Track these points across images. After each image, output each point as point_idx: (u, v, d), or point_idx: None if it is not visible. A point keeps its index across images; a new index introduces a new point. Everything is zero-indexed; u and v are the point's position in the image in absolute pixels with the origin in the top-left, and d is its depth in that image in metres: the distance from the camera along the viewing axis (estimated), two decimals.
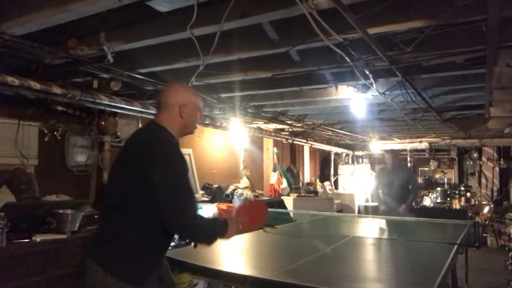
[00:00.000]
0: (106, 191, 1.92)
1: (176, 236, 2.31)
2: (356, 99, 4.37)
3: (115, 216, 1.79)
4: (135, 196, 1.73)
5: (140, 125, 4.65)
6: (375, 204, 10.06)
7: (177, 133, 1.90)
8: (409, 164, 10.23)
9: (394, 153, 5.80)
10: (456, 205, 8.94)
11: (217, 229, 1.87)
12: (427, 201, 9.02)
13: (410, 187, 5.53)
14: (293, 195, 7.90)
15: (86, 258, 1.79)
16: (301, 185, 8.94)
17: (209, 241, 1.88)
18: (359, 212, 9.85)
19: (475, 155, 10.45)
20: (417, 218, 4.22)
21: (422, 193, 9.20)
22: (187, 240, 2.09)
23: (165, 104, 1.91)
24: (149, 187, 1.67)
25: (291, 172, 8.87)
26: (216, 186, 5.96)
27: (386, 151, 5.85)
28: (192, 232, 1.80)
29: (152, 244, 1.79)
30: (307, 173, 10.17)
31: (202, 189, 5.90)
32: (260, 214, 2.09)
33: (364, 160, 12.03)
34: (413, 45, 2.60)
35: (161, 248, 1.87)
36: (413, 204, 5.83)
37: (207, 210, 5.01)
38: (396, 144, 9.82)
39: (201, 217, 1.86)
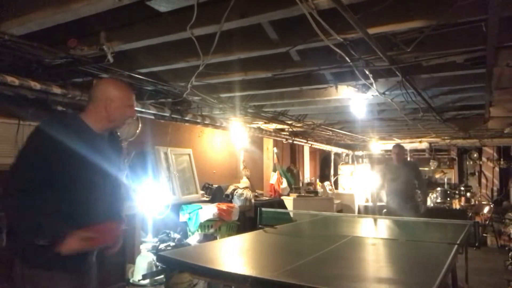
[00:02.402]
0: None
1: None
2: (356, 99, 4.37)
3: None
4: None
5: (140, 125, 4.65)
6: (376, 204, 10.12)
7: (99, 125, 1.94)
8: None
9: (401, 148, 5.67)
10: (456, 205, 8.94)
11: (44, 225, 1.72)
12: (427, 201, 9.01)
13: (416, 183, 5.46)
14: (293, 195, 7.91)
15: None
16: (301, 185, 8.94)
17: (22, 229, 1.78)
18: (359, 212, 9.85)
19: (475, 155, 10.45)
20: (417, 218, 4.22)
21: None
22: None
23: (93, 97, 1.97)
24: None
25: (291, 172, 8.88)
26: (216, 186, 5.96)
27: (393, 146, 5.74)
28: (5, 208, 1.80)
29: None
30: (307, 173, 10.17)
31: (202, 189, 5.90)
32: (111, 232, 1.97)
33: (364, 160, 12.03)
34: (413, 45, 2.60)
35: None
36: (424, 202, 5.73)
37: (207, 210, 5.02)
38: None
39: (29, 203, 1.74)
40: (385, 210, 5.49)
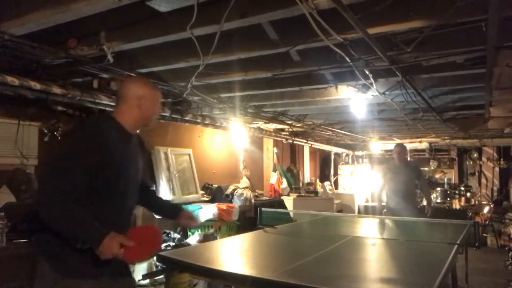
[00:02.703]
0: None
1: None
2: (356, 99, 4.37)
3: None
4: None
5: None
6: (376, 204, 10.11)
7: (131, 124, 1.91)
8: None
9: (402, 147, 5.56)
10: (456, 205, 8.94)
11: (82, 229, 1.65)
12: (431, 202, 8.99)
13: (417, 184, 5.39)
14: (293, 195, 7.91)
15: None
16: (301, 185, 8.94)
17: (63, 231, 1.69)
18: (359, 212, 9.84)
19: (475, 155, 10.45)
20: (417, 218, 4.22)
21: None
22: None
23: (123, 96, 1.92)
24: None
25: (291, 172, 8.87)
26: (216, 186, 5.96)
27: (395, 145, 5.62)
28: (43, 211, 1.66)
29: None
30: (307, 173, 10.17)
31: (202, 189, 5.90)
32: (151, 242, 1.81)
33: (364, 160, 12.03)
34: (413, 45, 2.60)
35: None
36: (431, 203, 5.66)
37: (207, 210, 5.01)
38: None
39: (71, 206, 1.64)
40: (385, 210, 5.46)
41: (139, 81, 2.02)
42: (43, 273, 1.71)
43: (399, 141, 9.15)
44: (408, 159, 9.83)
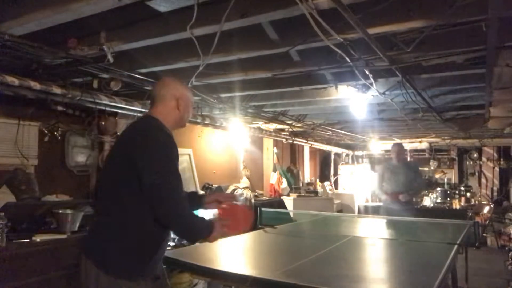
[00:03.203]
0: (100, 185, 1.91)
1: (173, 235, 2.26)
2: (356, 99, 4.37)
3: (107, 209, 1.79)
4: (128, 187, 1.71)
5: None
6: (376, 204, 10.13)
7: (171, 125, 1.92)
8: None
9: (400, 147, 5.50)
10: (456, 205, 8.94)
11: (205, 227, 1.83)
12: (427, 201, 9.01)
13: (415, 184, 5.25)
14: (293, 195, 7.90)
15: (81, 255, 1.78)
16: (301, 185, 8.94)
17: (198, 237, 1.85)
18: (359, 212, 9.84)
19: (475, 155, 10.45)
20: (417, 218, 4.22)
21: (422, 193, 9.12)
22: (178, 234, 2.00)
23: (161, 96, 1.92)
24: (145, 176, 1.68)
25: (291, 172, 8.87)
26: (216, 186, 5.96)
27: (393, 145, 5.57)
28: (185, 225, 1.76)
29: (146, 238, 1.75)
30: (307, 173, 10.17)
31: (202, 189, 5.90)
32: (245, 217, 2.06)
33: (364, 160, 12.03)
34: (413, 45, 2.60)
35: (154, 242, 1.79)
36: (414, 197, 5.46)
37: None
38: None
39: (192, 212, 1.84)
40: (381, 210, 5.43)
41: (175, 82, 2.01)
42: (96, 276, 1.69)
43: (399, 141, 9.15)
44: (408, 159, 9.87)
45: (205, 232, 1.82)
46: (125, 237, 1.72)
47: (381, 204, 5.49)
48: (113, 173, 1.80)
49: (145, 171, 1.67)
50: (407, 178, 5.17)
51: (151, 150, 1.71)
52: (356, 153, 11.75)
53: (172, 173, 1.75)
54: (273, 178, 7.79)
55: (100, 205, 1.85)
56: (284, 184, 7.97)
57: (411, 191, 5.15)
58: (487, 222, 7.67)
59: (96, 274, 1.69)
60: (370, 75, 3.25)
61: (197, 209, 2.20)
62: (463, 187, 9.56)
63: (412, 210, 5.09)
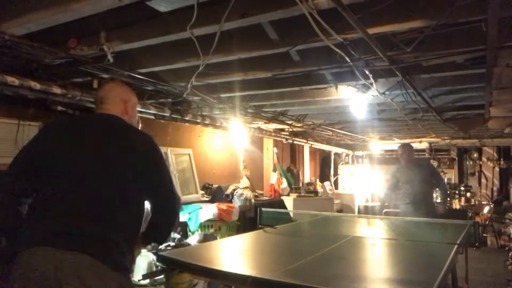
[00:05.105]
0: (88, 181, 1.69)
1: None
2: (356, 99, 4.37)
3: (107, 204, 1.67)
4: (136, 191, 1.75)
5: (140, 125, 4.64)
6: (376, 204, 10.13)
7: None
8: None
9: (409, 147, 5.28)
10: (456, 205, 8.94)
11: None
12: (446, 201, 8.96)
13: (435, 183, 5.10)
14: (293, 195, 7.91)
15: (75, 254, 1.55)
16: (301, 185, 8.94)
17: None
18: (359, 212, 9.85)
19: (475, 155, 10.45)
20: (417, 218, 4.22)
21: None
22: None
23: (109, 99, 1.90)
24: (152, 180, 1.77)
25: (291, 172, 8.87)
26: (216, 186, 5.96)
27: (399, 146, 5.36)
28: (178, 214, 1.94)
29: (136, 233, 1.79)
30: (307, 173, 10.17)
31: (202, 189, 5.90)
32: None
33: (364, 160, 12.03)
34: (413, 45, 2.60)
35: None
36: (446, 201, 5.30)
37: (207, 210, 5.01)
38: (397, 144, 9.82)
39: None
40: (386, 211, 5.38)
41: (123, 85, 2.04)
42: (103, 274, 1.57)
43: (399, 141, 9.15)
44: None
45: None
46: (129, 236, 1.73)
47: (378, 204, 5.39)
48: (112, 173, 1.72)
49: (157, 175, 1.79)
50: (424, 178, 4.99)
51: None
52: (356, 153, 11.75)
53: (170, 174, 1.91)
54: (273, 178, 7.79)
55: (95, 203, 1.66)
56: (284, 184, 7.98)
57: (442, 201, 5.07)
58: (487, 222, 7.67)
59: (102, 271, 1.56)
60: (370, 75, 3.25)
61: None
62: (463, 187, 9.55)
63: (431, 213, 4.77)
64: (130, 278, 1.75)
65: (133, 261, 1.82)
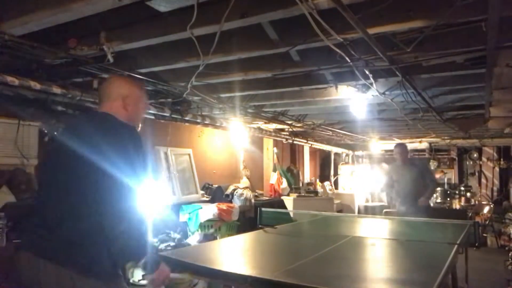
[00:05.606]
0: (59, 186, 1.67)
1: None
2: (356, 99, 4.37)
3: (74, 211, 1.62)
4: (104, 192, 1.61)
5: (140, 125, 4.63)
6: (376, 204, 10.13)
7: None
8: None
9: (403, 147, 5.45)
10: (456, 205, 8.94)
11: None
12: (430, 200, 8.98)
13: (427, 181, 5.17)
14: (293, 195, 7.91)
15: (43, 262, 1.58)
16: (301, 185, 8.94)
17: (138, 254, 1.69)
18: (359, 212, 9.85)
19: (475, 155, 10.44)
20: (417, 218, 4.22)
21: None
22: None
23: (107, 95, 1.84)
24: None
25: (291, 172, 8.87)
26: (216, 186, 5.96)
27: (395, 145, 5.51)
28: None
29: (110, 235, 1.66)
30: (307, 173, 10.17)
31: (202, 189, 5.90)
32: None
33: (364, 160, 12.03)
34: (413, 45, 2.60)
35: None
36: (430, 198, 5.35)
37: (207, 210, 5.01)
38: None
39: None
40: (385, 210, 5.41)
41: (122, 80, 1.97)
42: (76, 280, 1.57)
43: (399, 141, 9.15)
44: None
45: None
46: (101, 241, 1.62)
47: (381, 204, 5.45)
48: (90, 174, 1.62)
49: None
50: (415, 177, 5.11)
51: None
52: (356, 153, 11.75)
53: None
54: (273, 178, 7.79)
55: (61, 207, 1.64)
56: (284, 184, 7.98)
57: (426, 193, 5.09)
58: (487, 222, 7.67)
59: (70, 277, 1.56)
60: (370, 75, 3.25)
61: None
62: (463, 187, 9.54)
63: (427, 211, 4.91)
64: (112, 282, 1.65)
65: (116, 265, 1.68)
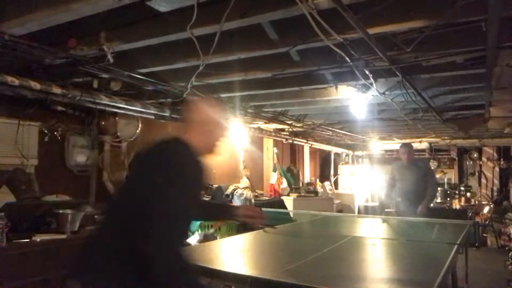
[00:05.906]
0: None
1: None
2: (356, 99, 4.37)
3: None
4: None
5: (140, 125, 4.66)
6: (376, 204, 10.12)
7: (199, 150, 1.76)
8: None
9: (408, 146, 5.39)
10: (456, 205, 8.94)
11: None
12: (430, 203, 8.96)
13: (428, 185, 5.11)
14: (293, 195, 7.91)
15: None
16: (301, 185, 8.94)
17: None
18: (359, 212, 9.85)
19: (475, 155, 10.44)
20: (417, 218, 4.22)
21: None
22: None
23: (186, 119, 1.81)
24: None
25: (291, 172, 8.87)
26: (216, 186, 5.96)
27: (400, 145, 5.46)
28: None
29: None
30: (307, 173, 10.16)
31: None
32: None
33: (364, 160, 12.03)
34: (413, 45, 2.60)
35: None
36: (430, 204, 5.28)
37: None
38: (397, 144, 9.82)
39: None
40: (385, 210, 5.41)
41: (202, 104, 1.81)
42: None
43: (399, 141, 9.15)
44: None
45: None
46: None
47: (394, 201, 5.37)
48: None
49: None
50: (417, 178, 5.08)
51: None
52: (356, 153, 11.75)
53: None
54: (273, 178, 7.79)
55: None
56: (284, 184, 7.98)
57: (425, 200, 5.02)
58: (487, 222, 7.66)
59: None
60: (370, 75, 3.25)
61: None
62: (463, 187, 9.54)
63: (427, 212, 4.88)
64: None
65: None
